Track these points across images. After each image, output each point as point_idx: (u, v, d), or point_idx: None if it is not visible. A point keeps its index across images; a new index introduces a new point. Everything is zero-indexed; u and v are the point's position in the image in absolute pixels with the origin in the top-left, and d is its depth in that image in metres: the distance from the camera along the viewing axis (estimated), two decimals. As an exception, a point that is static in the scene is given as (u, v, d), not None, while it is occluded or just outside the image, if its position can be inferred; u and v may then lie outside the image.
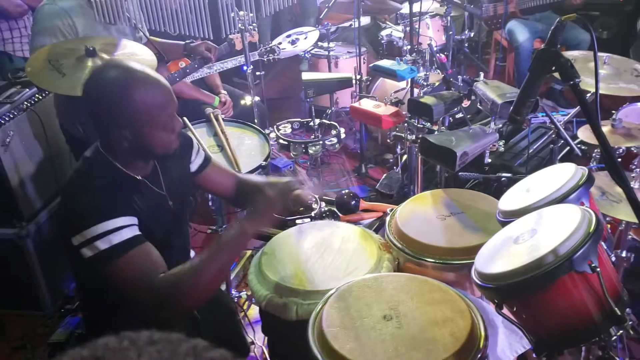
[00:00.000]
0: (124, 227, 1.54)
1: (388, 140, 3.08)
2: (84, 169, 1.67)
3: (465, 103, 2.65)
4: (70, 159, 3.03)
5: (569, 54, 2.90)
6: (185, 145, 1.89)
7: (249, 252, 3.33)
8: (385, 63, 2.56)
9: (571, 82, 1.27)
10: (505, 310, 1.46)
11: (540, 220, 1.50)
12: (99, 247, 1.52)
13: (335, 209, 2.61)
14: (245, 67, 3.10)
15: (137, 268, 1.54)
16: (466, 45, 4.66)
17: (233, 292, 2.80)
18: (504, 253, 1.47)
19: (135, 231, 1.57)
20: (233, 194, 2.04)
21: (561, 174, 1.67)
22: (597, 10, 5.29)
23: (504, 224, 1.67)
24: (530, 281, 1.34)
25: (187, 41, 2.99)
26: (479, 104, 2.35)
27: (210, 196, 2.59)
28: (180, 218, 1.90)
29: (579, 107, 3.03)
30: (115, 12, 2.70)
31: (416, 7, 2.97)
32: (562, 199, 1.58)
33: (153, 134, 1.61)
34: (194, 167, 1.94)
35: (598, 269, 1.31)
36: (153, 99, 1.58)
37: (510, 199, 1.76)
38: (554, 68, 1.31)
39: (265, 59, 3.33)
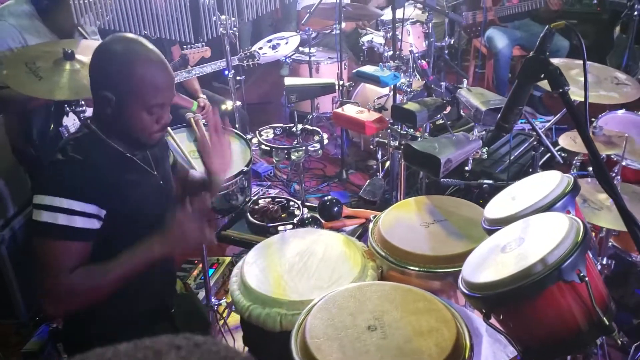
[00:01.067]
0: (78, 214, 1.50)
1: (371, 147, 3.06)
2: (71, 142, 1.60)
3: (447, 109, 2.65)
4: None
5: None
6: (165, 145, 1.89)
7: (228, 259, 3.29)
8: (368, 69, 2.54)
9: (560, 90, 1.26)
10: (492, 320, 1.44)
11: (528, 228, 1.49)
12: (43, 217, 1.48)
13: (317, 216, 2.58)
14: (226, 72, 3.06)
15: (59, 257, 1.50)
16: (446, 52, 4.69)
17: (213, 299, 2.75)
18: (492, 262, 1.45)
19: (88, 223, 1.52)
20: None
21: (547, 182, 1.66)
22: (575, 18, 5.37)
23: (490, 232, 1.66)
24: (519, 291, 1.32)
25: None
26: (462, 110, 2.35)
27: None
28: (168, 200, 1.82)
29: (559, 114, 3.05)
30: (68, 27, 2.66)
31: (398, 14, 2.96)
32: (548, 207, 1.57)
33: (135, 110, 1.56)
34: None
35: (586, 279, 1.30)
36: (151, 78, 1.55)
37: (496, 207, 1.75)
38: (542, 76, 1.30)
39: (246, 64, 3.30)
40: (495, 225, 1.66)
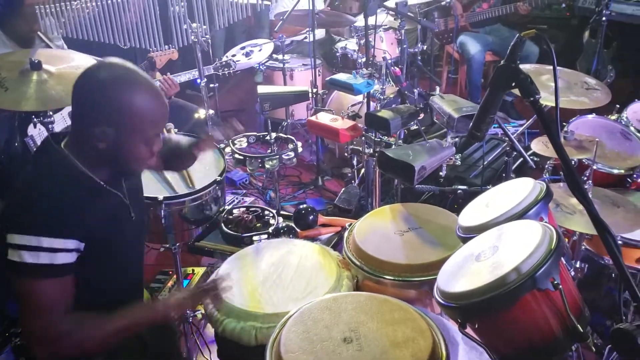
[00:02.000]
0: (59, 251, 1.45)
1: (345, 154, 3.06)
2: (45, 170, 1.54)
3: (420, 115, 2.65)
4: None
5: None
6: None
7: (203, 269, 3.24)
8: (341, 77, 2.54)
9: (531, 99, 1.26)
10: (468, 329, 1.43)
11: (501, 236, 1.49)
12: (24, 258, 1.42)
13: (293, 225, 2.56)
14: (198, 80, 3.03)
15: (46, 298, 1.46)
16: (419, 58, 4.71)
17: (187, 311, 2.70)
18: (466, 271, 1.45)
19: (68, 258, 1.48)
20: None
21: (520, 189, 1.67)
22: (545, 23, 5.45)
23: (464, 240, 1.65)
24: (494, 300, 1.32)
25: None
26: (434, 117, 2.35)
27: (162, 213, 2.50)
28: (140, 231, 1.81)
29: (531, 119, 3.09)
30: (26, 34, 2.62)
31: (370, 21, 2.96)
32: (521, 214, 1.57)
33: (135, 144, 1.52)
34: None
35: (560, 286, 1.30)
36: (151, 110, 1.51)
37: (470, 215, 1.75)
38: (513, 84, 1.30)
39: (221, 73, 3.28)
40: (470, 233, 1.66)
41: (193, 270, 3.22)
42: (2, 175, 2.61)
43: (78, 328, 1.49)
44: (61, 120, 2.58)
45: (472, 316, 1.39)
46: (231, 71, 3.41)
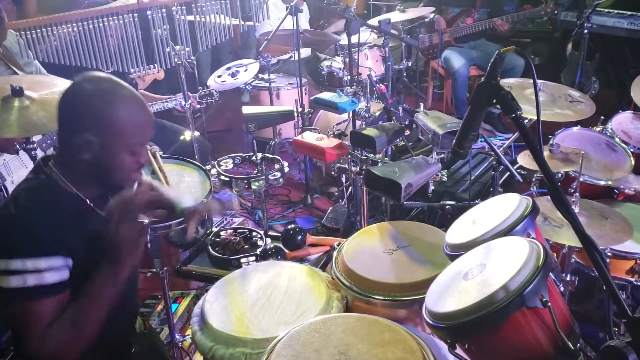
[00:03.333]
0: (47, 270, 1.42)
1: (332, 172, 3.05)
2: (23, 191, 1.51)
3: (406, 132, 2.65)
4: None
5: (505, 82, 2.96)
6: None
7: (193, 292, 3.20)
8: (326, 96, 2.53)
9: (513, 115, 1.26)
10: (458, 349, 1.41)
11: (489, 254, 1.48)
12: (10, 283, 1.39)
13: (281, 245, 2.54)
14: (182, 102, 3.02)
15: (35, 316, 1.42)
16: (405, 74, 4.74)
17: (177, 336, 2.66)
18: (454, 290, 1.43)
19: (58, 276, 1.44)
20: None
21: (506, 205, 1.66)
22: (528, 37, 5.51)
23: (452, 257, 1.64)
24: (482, 319, 1.30)
25: None
26: (420, 134, 2.35)
27: (148, 238, 2.47)
28: None
29: (517, 132, 3.09)
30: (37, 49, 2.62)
31: (354, 39, 2.97)
32: (508, 230, 1.57)
33: (119, 153, 1.50)
34: None
35: (549, 304, 1.29)
36: (135, 118, 1.50)
37: (457, 232, 1.74)
38: (494, 101, 1.30)
39: (205, 102, 3.30)
40: (457, 250, 1.65)
41: (182, 293, 3.18)
42: None
43: (66, 332, 1.45)
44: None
45: (461, 336, 1.37)
46: (213, 101, 3.43)
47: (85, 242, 1.52)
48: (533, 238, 1.52)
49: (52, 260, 1.43)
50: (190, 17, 2.72)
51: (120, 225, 1.46)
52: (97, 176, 1.54)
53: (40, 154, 2.48)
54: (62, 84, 2.44)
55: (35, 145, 2.39)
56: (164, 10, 2.66)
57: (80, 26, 2.60)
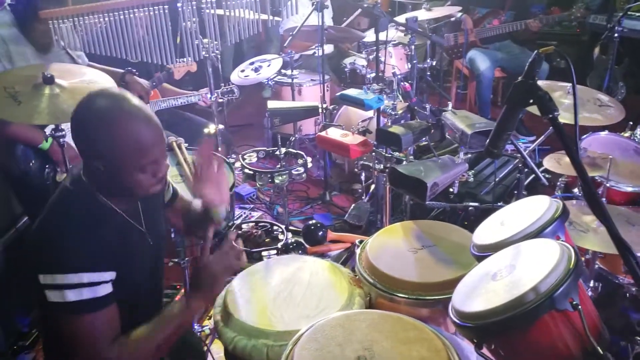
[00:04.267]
0: (100, 284, 1.47)
1: (355, 170, 3.04)
2: (64, 201, 1.55)
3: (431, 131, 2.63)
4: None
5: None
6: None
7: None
8: (352, 92, 2.53)
9: (550, 116, 1.24)
10: (484, 349, 1.40)
11: (518, 255, 1.46)
12: (67, 297, 1.43)
13: (302, 240, 2.54)
14: (209, 95, 3.04)
15: (94, 331, 1.46)
16: (428, 73, 4.71)
17: (195, 326, 2.68)
18: (482, 290, 1.42)
19: (108, 289, 1.49)
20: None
21: (535, 207, 1.64)
22: (555, 40, 5.45)
23: (479, 258, 1.63)
24: (511, 320, 1.29)
25: (126, 70, 2.95)
26: (447, 133, 2.34)
27: (172, 228, 2.49)
28: (159, 257, 1.81)
29: (542, 135, 3.06)
30: (48, 41, 2.65)
31: (381, 37, 2.96)
32: (537, 232, 1.55)
33: (131, 174, 1.51)
34: (165, 199, 1.89)
35: (579, 307, 1.27)
36: (135, 140, 1.47)
37: (485, 233, 1.72)
38: (531, 101, 1.28)
39: (226, 99, 3.32)
40: (485, 251, 1.63)
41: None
42: (21, 181, 2.64)
43: (123, 353, 1.49)
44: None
45: (488, 336, 1.36)
46: (233, 97, 3.46)
47: (123, 251, 1.56)
48: (563, 241, 1.51)
49: (104, 275, 1.48)
50: (220, 11, 2.73)
51: (219, 267, 1.60)
52: (120, 192, 1.57)
53: (69, 141, 2.51)
54: (90, 73, 2.47)
55: (64, 132, 2.41)
56: (194, 3, 2.67)
57: (111, 16, 2.62)
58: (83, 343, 1.46)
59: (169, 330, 1.55)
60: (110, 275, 1.51)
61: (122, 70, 2.96)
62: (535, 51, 1.31)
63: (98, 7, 2.64)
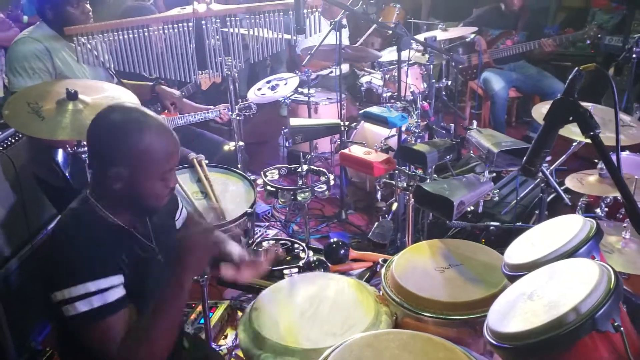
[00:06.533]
0: (108, 289, 1.47)
1: (377, 187, 3.03)
2: (70, 221, 1.59)
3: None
4: (44, 206, 2.89)
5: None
6: (172, 201, 1.86)
7: (226, 302, 3.19)
8: (375, 110, 2.53)
9: (591, 133, 1.24)
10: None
11: (554, 275, 1.44)
12: (79, 308, 1.45)
13: (323, 258, 2.52)
14: (229, 112, 3.05)
15: (109, 334, 1.47)
16: (444, 93, 4.72)
17: (212, 344, 2.65)
18: (519, 310, 1.40)
19: (118, 293, 1.50)
20: None
21: (568, 226, 1.63)
22: (569, 61, 5.46)
23: (512, 278, 1.61)
24: (551, 341, 1.27)
25: (154, 82, 2.98)
26: (471, 152, 2.33)
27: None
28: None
29: (563, 156, 3.04)
30: (93, 54, 2.68)
31: (404, 55, 2.97)
32: (572, 252, 1.53)
33: (150, 181, 1.55)
34: (178, 224, 1.91)
35: (621, 328, 1.25)
36: (161, 146, 1.55)
37: (517, 252, 1.71)
38: (571, 118, 1.27)
39: (243, 115, 3.35)
40: (518, 270, 1.61)
41: (216, 303, 3.18)
42: (60, 191, 2.70)
43: (137, 345, 1.47)
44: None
45: (527, 358, 1.34)
46: (251, 113, 3.48)
47: (129, 261, 1.57)
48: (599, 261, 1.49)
49: (111, 279, 1.49)
50: (244, 31, 2.75)
51: (198, 245, 1.52)
52: (130, 203, 1.59)
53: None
54: (112, 90, 2.49)
55: (85, 148, 2.42)
56: (218, 21, 2.69)
57: (135, 33, 2.64)
58: (101, 349, 1.46)
59: (167, 309, 1.50)
60: (119, 279, 1.51)
61: (151, 83, 2.98)
62: (576, 68, 1.31)
63: (123, 24, 2.67)
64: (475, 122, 2.57)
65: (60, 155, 2.71)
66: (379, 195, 3.85)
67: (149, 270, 1.65)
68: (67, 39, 2.74)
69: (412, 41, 3.10)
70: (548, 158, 4.46)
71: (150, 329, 1.48)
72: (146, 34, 2.64)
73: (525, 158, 1.40)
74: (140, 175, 1.54)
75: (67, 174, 2.71)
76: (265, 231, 3.93)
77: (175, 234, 1.85)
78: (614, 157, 2.85)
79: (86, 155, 2.45)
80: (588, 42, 4.74)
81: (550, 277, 1.44)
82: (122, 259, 1.54)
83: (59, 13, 2.74)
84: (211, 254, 1.57)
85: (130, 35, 2.67)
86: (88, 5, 2.74)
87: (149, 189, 1.56)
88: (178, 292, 1.51)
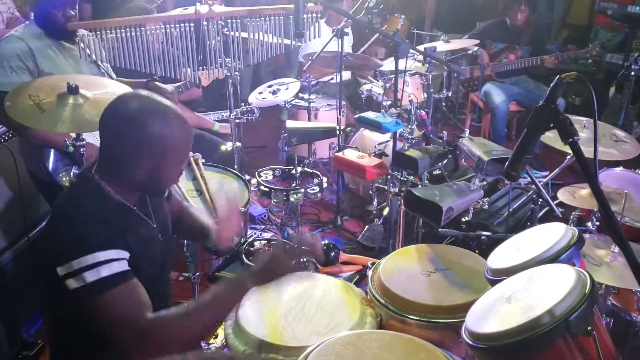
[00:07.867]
0: (115, 260, 1.47)
1: (370, 192, 3.05)
2: (74, 196, 1.59)
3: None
4: (41, 200, 2.92)
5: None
6: None
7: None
8: (370, 115, 2.56)
9: (570, 140, 1.26)
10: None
11: (533, 279, 1.47)
12: (86, 278, 1.43)
13: (314, 260, 2.54)
14: (229, 113, 3.09)
15: (122, 305, 1.46)
16: (444, 104, 4.75)
17: (202, 344, 2.67)
18: (497, 312, 1.42)
19: (124, 266, 1.50)
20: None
21: (551, 234, 1.65)
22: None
23: (493, 282, 1.63)
24: (525, 342, 1.29)
25: (150, 79, 3.01)
26: (463, 160, 2.35)
27: (185, 242, 2.51)
28: (167, 253, 1.82)
29: (556, 169, 3.07)
30: (92, 50, 2.72)
31: (402, 63, 3.00)
32: (553, 258, 1.55)
33: (172, 167, 1.60)
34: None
35: (594, 332, 1.27)
36: (182, 133, 1.58)
37: (500, 257, 1.73)
38: (552, 125, 1.30)
39: (245, 119, 3.38)
40: (499, 275, 1.64)
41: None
42: (50, 186, 2.73)
43: (166, 323, 1.47)
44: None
45: (502, 358, 1.36)
46: (253, 117, 3.52)
47: (133, 240, 1.58)
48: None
49: (118, 252, 1.49)
50: (245, 34, 2.79)
51: (291, 265, 1.62)
52: (143, 186, 1.61)
53: (91, 141, 2.57)
54: (113, 85, 2.52)
55: (84, 142, 2.45)
56: (219, 22, 2.74)
57: (136, 31, 2.68)
58: (113, 320, 1.45)
59: (220, 303, 1.54)
60: (125, 253, 1.51)
61: (145, 80, 3.02)
62: (558, 76, 1.34)
63: (124, 22, 2.71)
64: (467, 131, 2.60)
65: (45, 152, 2.74)
66: (375, 202, 3.89)
67: (149, 249, 1.66)
68: (55, 37, 2.76)
69: (411, 50, 3.13)
70: (544, 173, 4.51)
71: (195, 316, 1.48)
72: (147, 32, 2.68)
73: (507, 163, 1.43)
74: (164, 164, 1.56)
75: (49, 170, 2.74)
76: (261, 234, 3.96)
77: (167, 209, 1.86)
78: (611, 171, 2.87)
79: (84, 150, 2.49)
80: (590, 60, 4.78)
81: (529, 281, 1.47)
82: (127, 237, 1.55)
83: (43, 14, 2.77)
84: (284, 275, 1.63)
85: (132, 33, 2.71)
86: (72, 11, 2.76)
87: (168, 174, 1.61)
88: (240, 291, 1.57)
